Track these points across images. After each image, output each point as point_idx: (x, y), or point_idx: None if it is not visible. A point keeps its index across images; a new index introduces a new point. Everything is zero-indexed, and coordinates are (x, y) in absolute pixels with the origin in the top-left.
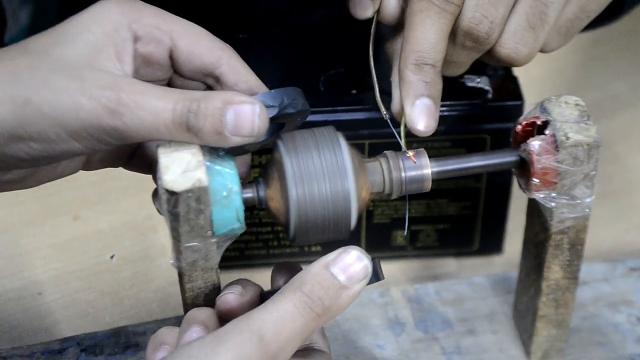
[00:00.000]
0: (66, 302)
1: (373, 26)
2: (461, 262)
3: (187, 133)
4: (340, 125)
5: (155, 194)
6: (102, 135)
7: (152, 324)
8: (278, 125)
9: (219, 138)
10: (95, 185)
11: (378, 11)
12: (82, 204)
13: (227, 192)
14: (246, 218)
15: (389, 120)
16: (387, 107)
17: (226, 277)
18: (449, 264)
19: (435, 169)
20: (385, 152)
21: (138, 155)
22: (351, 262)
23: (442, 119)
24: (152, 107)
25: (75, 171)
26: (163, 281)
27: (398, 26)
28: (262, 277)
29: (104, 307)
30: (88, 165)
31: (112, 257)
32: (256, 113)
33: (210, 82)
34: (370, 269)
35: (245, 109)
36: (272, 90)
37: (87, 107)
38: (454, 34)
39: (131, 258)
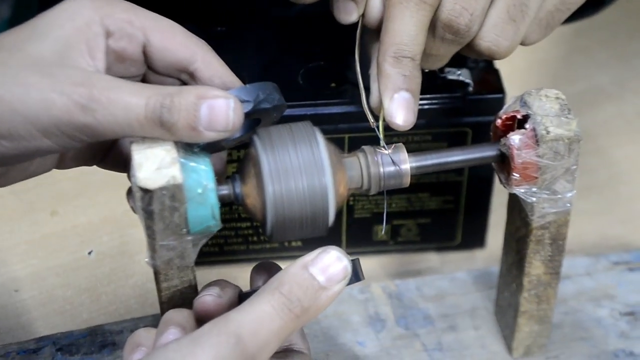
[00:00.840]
0: (43, 299)
1: (358, 31)
2: (443, 257)
3: (160, 129)
4: (319, 119)
5: (130, 192)
6: (74, 132)
7: (129, 323)
8: (254, 121)
9: (193, 133)
10: (73, 180)
11: (363, 15)
12: (60, 199)
13: (202, 189)
14: (225, 213)
15: (376, 129)
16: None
17: (206, 272)
18: (431, 258)
19: (414, 164)
20: (363, 147)
21: (113, 153)
22: (330, 262)
23: (422, 112)
24: (125, 102)
25: (48, 170)
26: (142, 277)
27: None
28: (242, 273)
29: (82, 303)
30: (62, 164)
31: (90, 252)
32: (231, 107)
33: (184, 78)
34: (349, 270)
35: (220, 103)
36: (247, 85)
37: (59, 103)
38: (433, 27)
39: (109, 253)
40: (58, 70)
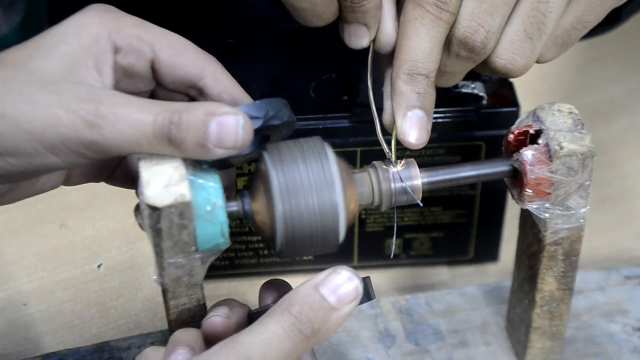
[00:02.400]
0: (52, 313)
1: (370, 56)
2: (455, 271)
3: (168, 146)
4: (331, 132)
5: (137, 209)
6: (81, 149)
7: (136, 339)
8: (263, 137)
9: (202, 150)
10: (81, 192)
11: (374, 40)
12: (69, 211)
13: (210, 206)
14: (236, 227)
15: (391, 158)
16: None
17: (216, 286)
18: (443, 272)
19: (426, 180)
20: (374, 162)
21: (120, 170)
22: (341, 282)
23: (435, 126)
24: (132, 119)
25: (56, 186)
26: (151, 291)
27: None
28: (253, 287)
29: (91, 318)
30: (68, 181)
31: (99, 266)
32: (240, 124)
33: (193, 93)
34: (361, 290)
35: (229, 120)
36: (257, 101)
37: (65, 120)
38: (448, 43)
39: (119, 267)
40: (64, 86)
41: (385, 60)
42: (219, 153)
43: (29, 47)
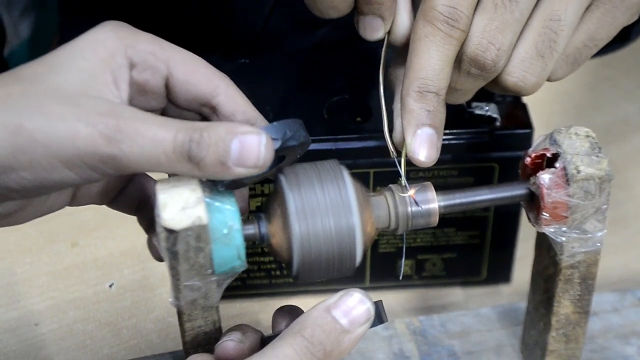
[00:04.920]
0: (64, 332)
1: (384, 49)
2: (468, 292)
3: (188, 163)
4: (345, 154)
5: (150, 239)
6: (98, 163)
7: (150, 359)
8: (278, 158)
9: (222, 169)
10: (93, 211)
11: (389, 32)
12: (81, 230)
13: (227, 229)
14: (248, 247)
15: (402, 178)
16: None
17: (228, 307)
18: (456, 293)
19: (442, 204)
20: (390, 185)
21: (125, 195)
22: (353, 305)
23: (449, 147)
24: (152, 135)
25: (63, 206)
26: (163, 311)
27: (402, 51)
28: (265, 307)
29: (103, 338)
30: (73, 201)
31: (111, 285)
32: (262, 143)
33: (206, 112)
34: (372, 312)
35: (251, 139)
36: (274, 123)
37: (83, 133)
38: (459, 61)
39: (130, 287)
40: (83, 100)
41: (396, 77)
42: (239, 172)
43: (46, 62)
